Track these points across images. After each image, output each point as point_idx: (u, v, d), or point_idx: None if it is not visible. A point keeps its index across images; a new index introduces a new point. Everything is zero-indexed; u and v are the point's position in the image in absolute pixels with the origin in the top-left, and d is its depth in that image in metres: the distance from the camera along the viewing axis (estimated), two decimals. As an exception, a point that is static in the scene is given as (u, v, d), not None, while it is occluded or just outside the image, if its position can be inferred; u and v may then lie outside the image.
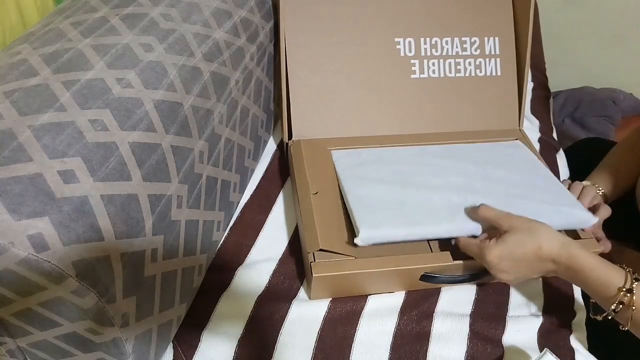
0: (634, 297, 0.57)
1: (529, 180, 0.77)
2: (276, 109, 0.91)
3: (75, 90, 0.48)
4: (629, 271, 0.59)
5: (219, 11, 0.67)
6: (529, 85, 1.07)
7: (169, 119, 0.54)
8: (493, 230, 0.65)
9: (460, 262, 0.67)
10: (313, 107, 0.84)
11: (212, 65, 0.63)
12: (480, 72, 0.89)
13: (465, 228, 0.67)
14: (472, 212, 0.68)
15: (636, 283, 0.58)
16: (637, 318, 0.58)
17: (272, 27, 0.81)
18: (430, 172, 0.77)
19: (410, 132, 0.87)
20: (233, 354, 0.63)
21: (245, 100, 0.73)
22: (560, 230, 0.67)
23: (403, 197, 0.71)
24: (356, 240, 0.65)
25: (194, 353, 0.64)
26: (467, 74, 0.88)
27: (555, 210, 0.70)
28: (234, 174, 0.74)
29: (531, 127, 1.03)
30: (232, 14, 0.69)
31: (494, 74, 0.89)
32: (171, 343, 0.64)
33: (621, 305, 0.58)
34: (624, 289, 0.57)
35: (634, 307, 0.57)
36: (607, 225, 0.75)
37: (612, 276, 0.58)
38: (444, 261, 0.68)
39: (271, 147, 0.91)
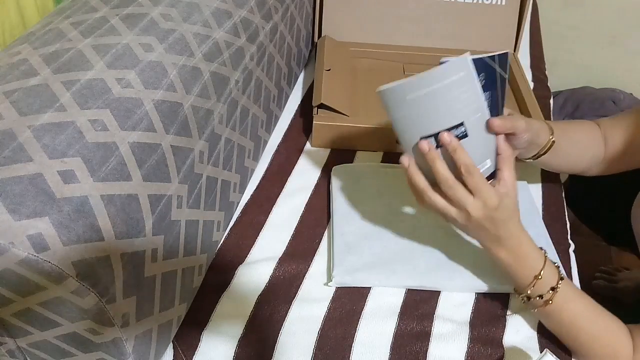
0: (556, 296, 0.60)
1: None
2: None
3: (75, 90, 0.48)
4: (557, 266, 0.62)
5: (219, 11, 0.67)
6: (530, 85, 1.08)
7: (169, 119, 0.54)
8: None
9: None
10: (341, 14, 1.05)
11: (212, 65, 0.63)
12: (487, 0, 1.06)
13: (437, 285, 0.70)
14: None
15: (561, 282, 0.60)
16: (550, 311, 0.61)
17: (272, 27, 0.81)
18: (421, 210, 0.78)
19: (418, 45, 1.06)
20: (233, 354, 0.63)
21: (245, 100, 0.73)
22: None
23: (387, 243, 0.74)
24: (330, 283, 0.69)
25: (194, 353, 0.64)
26: (476, 0, 1.05)
27: None
28: (234, 174, 0.74)
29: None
30: (232, 14, 0.69)
31: (498, 3, 1.05)
32: (171, 343, 0.64)
33: (539, 298, 0.61)
34: (552, 290, 0.60)
35: (551, 302, 0.60)
36: (608, 229, 0.74)
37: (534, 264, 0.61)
38: None
39: (271, 147, 0.91)
